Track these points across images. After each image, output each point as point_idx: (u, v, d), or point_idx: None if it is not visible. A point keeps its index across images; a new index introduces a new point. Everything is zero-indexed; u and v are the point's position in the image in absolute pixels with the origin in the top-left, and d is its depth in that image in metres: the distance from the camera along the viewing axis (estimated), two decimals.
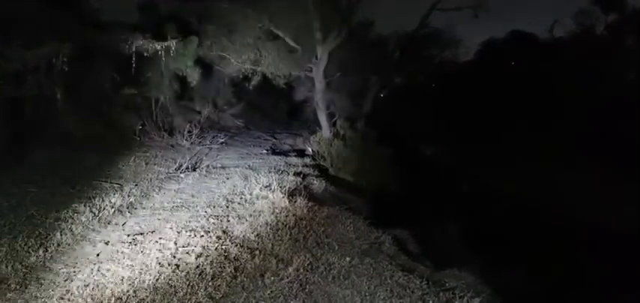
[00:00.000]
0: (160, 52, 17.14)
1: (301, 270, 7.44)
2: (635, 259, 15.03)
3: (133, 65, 16.80)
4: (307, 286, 6.98)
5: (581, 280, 13.56)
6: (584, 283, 13.40)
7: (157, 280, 6.90)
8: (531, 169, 23.25)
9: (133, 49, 16.63)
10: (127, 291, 6.61)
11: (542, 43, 32.62)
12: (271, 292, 6.69)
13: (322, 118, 20.35)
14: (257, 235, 8.81)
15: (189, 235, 8.47)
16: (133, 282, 6.85)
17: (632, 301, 13.05)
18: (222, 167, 14.41)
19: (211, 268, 7.20)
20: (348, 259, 8.04)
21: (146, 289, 6.63)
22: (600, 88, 25.44)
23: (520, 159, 24.45)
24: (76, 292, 6.62)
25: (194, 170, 13.80)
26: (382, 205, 14.72)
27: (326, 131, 20.24)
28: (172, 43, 17.20)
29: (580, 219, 17.70)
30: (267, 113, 25.39)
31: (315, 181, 14.17)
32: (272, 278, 7.07)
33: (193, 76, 18.98)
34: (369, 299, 6.71)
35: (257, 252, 7.95)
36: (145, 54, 17.00)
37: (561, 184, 20.72)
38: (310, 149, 19.04)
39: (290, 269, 7.39)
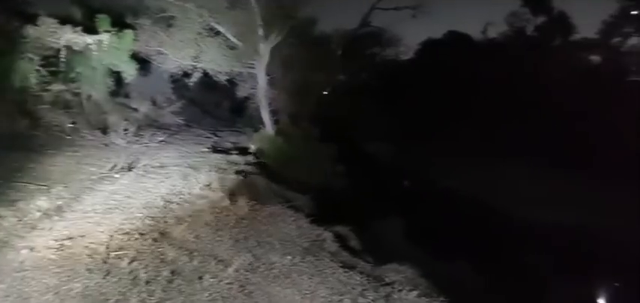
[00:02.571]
0: (91, 46, 16.29)
1: (241, 270, 7.29)
2: (567, 250, 16.02)
3: (62, 60, 15.88)
4: (247, 287, 6.84)
5: (516, 272, 14.23)
6: (519, 274, 14.08)
7: (87, 287, 6.51)
8: (470, 165, 24.11)
9: (63, 42, 15.70)
10: (53, 301, 6.19)
11: (477, 43, 33.99)
12: (210, 294, 6.49)
13: (265, 116, 20.16)
14: (196, 236, 8.55)
15: (123, 239, 8.07)
16: (60, 291, 6.42)
17: (563, 289, 13.86)
18: (161, 166, 13.89)
19: (146, 273, 6.88)
20: (289, 257, 7.97)
21: (74, 298, 6.24)
22: (531, 86, 26.82)
23: (459, 156, 25.30)
24: None
25: (130, 170, 13.22)
26: (325, 203, 14.76)
27: (269, 128, 20.08)
28: (105, 37, 16.39)
29: (517, 213, 18.57)
30: (209, 111, 24.82)
31: (257, 180, 14.02)
32: (211, 280, 6.87)
33: (129, 71, 18.17)
34: (309, 298, 6.68)
35: (195, 253, 7.70)
36: (76, 48, 16.09)
37: (498, 180, 21.63)
38: (253, 147, 18.78)
39: (230, 270, 7.22)
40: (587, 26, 30.19)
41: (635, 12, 28.68)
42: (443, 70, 32.18)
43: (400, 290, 7.26)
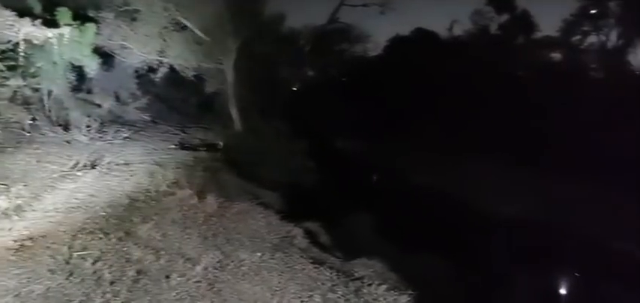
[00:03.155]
0: (52, 40, 15.69)
1: (210, 268, 7.20)
2: (528, 242, 16.51)
3: (21, 54, 15.24)
4: (216, 285, 6.77)
5: (480, 264, 14.59)
6: (482, 266, 14.44)
7: (48, 289, 6.28)
8: (436, 160, 24.54)
9: (21, 36, 15.06)
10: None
11: (443, 41, 34.58)
12: (177, 293, 6.38)
13: (234, 112, 19.96)
14: (163, 234, 8.39)
15: (86, 239, 7.82)
16: (20, 293, 6.17)
17: (524, 280, 14.28)
18: (126, 164, 13.55)
19: (110, 273, 6.70)
20: (259, 254, 7.93)
21: (35, 300, 6.02)
22: (495, 84, 27.48)
23: (426, 151, 25.72)
24: None
25: (93, 167, 12.82)
26: (295, 199, 14.75)
27: (238, 125, 19.87)
28: (66, 31, 15.82)
29: (480, 206, 19.03)
30: (176, 106, 24.28)
31: (226, 176, 13.87)
32: (178, 279, 6.75)
33: (91, 66, 17.58)
34: (279, 294, 6.65)
35: (162, 252, 7.56)
36: (36, 42, 15.47)
37: (463, 175, 22.09)
38: (222, 144, 18.55)
39: (198, 268, 7.12)
40: (548, 25, 31.13)
41: (593, 11, 29.73)
42: (410, 67, 32.61)
43: (369, 285, 7.33)
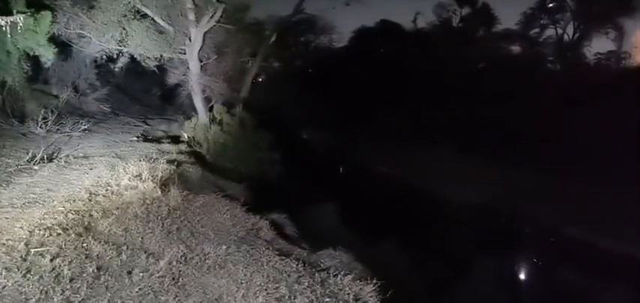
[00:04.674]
0: (4, 29, 14.97)
1: (174, 263, 7.10)
2: (489, 229, 17.06)
3: None
4: (180, 279, 6.68)
5: (442, 251, 15.00)
6: (444, 252, 14.85)
7: (4, 288, 6.04)
8: (400, 150, 24.96)
9: None
10: None
11: (407, 32, 35.09)
12: (140, 289, 6.26)
13: (198, 103, 19.63)
14: (125, 229, 8.20)
15: (44, 235, 7.55)
16: None
17: (485, 266, 14.78)
18: (85, 157, 13.18)
19: (69, 270, 6.51)
20: (224, 247, 7.88)
21: None
22: (457, 75, 28.11)
23: (390, 141, 26.10)
24: None
25: (51, 161, 12.39)
26: (261, 191, 14.75)
27: (202, 116, 19.57)
28: (20, 18, 15.12)
29: (441, 194, 19.52)
30: (138, 98, 23.76)
31: (190, 169, 13.68)
32: (141, 274, 6.63)
33: (47, 55, 16.91)
34: (245, 287, 6.63)
35: (124, 247, 7.39)
36: None
37: (425, 164, 22.56)
38: (186, 135, 18.27)
39: (161, 263, 7.00)
40: (508, 18, 32.07)
41: (551, 4, 30.78)
42: (375, 58, 32.95)
43: (335, 275, 7.41)
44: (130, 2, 16.87)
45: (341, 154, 28.25)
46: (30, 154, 12.46)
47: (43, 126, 15.26)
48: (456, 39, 31.56)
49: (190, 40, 18.49)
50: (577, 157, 19.00)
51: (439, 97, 27.49)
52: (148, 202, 9.62)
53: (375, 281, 7.32)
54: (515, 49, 32.37)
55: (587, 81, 25.07)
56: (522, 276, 15.54)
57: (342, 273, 7.56)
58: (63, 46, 17.94)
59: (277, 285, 6.78)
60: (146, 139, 16.69)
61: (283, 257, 7.91)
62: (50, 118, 15.67)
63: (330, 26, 31.20)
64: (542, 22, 31.67)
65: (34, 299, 5.84)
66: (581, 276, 14.50)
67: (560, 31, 30.75)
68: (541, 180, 19.05)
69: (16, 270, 6.47)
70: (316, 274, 7.42)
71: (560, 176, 18.62)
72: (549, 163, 19.39)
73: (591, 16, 29.01)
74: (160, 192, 10.25)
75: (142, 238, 7.91)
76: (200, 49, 18.85)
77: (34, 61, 17.17)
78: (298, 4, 23.61)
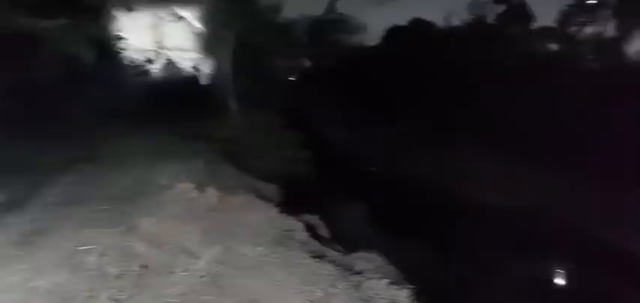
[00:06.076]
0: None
1: (212, 263, 7.25)
2: (529, 235, 16.69)
3: None
4: (219, 280, 6.83)
5: (475, 255, 14.79)
6: (477, 255, 14.64)
7: (54, 285, 6.32)
8: (431, 150, 24.68)
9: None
10: (18, 298, 6.02)
11: (440, 31, 34.60)
12: (181, 288, 6.45)
13: (231, 103, 19.98)
14: (164, 228, 8.43)
15: (89, 233, 7.87)
16: (26, 288, 6.24)
17: (520, 272, 14.48)
18: (125, 156, 13.61)
19: (115, 268, 6.77)
20: (260, 248, 7.99)
21: (41, 296, 6.08)
22: (491, 74, 27.55)
23: (421, 141, 25.84)
24: None
25: (92, 160, 12.87)
26: (293, 191, 14.87)
27: (236, 116, 19.90)
28: (61, 22, 15.78)
29: (479, 199, 19.19)
30: (174, 98, 24.27)
31: (225, 169, 13.94)
32: (182, 274, 6.82)
33: (88, 57, 17.54)
34: (281, 289, 6.72)
35: (165, 247, 7.62)
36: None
37: (461, 167, 22.23)
38: (220, 135, 18.60)
39: (201, 263, 7.18)
40: (545, 15, 31.22)
41: (591, 2, 29.80)
42: (407, 58, 32.64)
43: (370, 279, 7.43)
44: (167, 5, 17.31)
45: (371, 154, 28.14)
46: (74, 154, 12.97)
47: (85, 126, 15.94)
48: (490, 37, 30.95)
49: (224, 40, 18.82)
50: (618, 162, 18.36)
51: (471, 96, 27.00)
52: (185, 201, 9.87)
53: (410, 286, 7.31)
54: (553, 47, 31.48)
55: (629, 81, 24.17)
56: (558, 281, 15.17)
57: (376, 276, 7.58)
58: (103, 48, 18.54)
59: (313, 288, 6.84)
60: (182, 139, 17.06)
61: (318, 259, 7.96)
62: (92, 118, 16.36)
63: (362, 25, 31.12)
64: (581, 19, 30.71)
65: (81, 296, 6.09)
66: (618, 283, 14.05)
67: (600, 29, 29.72)
68: (576, 182, 18.52)
69: (64, 268, 6.77)
70: (351, 277, 7.45)
71: (595, 179, 18.05)
72: (588, 166, 18.81)
73: (633, 12, 27.94)
74: (196, 192, 10.49)
75: (181, 237, 8.11)
76: (233, 50, 19.16)
77: (75, 61, 17.83)
78: (330, 4, 23.70)
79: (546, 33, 31.79)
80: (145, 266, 6.92)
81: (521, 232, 16.67)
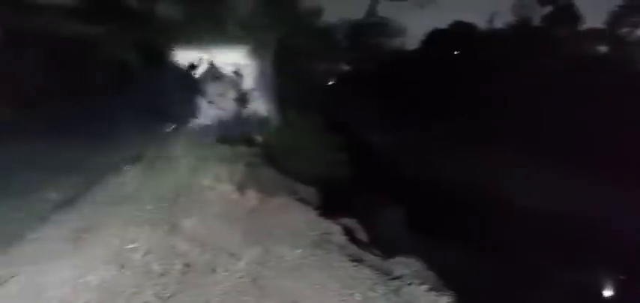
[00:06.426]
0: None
1: (253, 264, 7.38)
2: (571, 240, 16.11)
3: None
4: (259, 280, 6.94)
5: (517, 260, 14.38)
6: (520, 262, 14.22)
7: (102, 280, 6.59)
8: (470, 154, 24.19)
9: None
10: (70, 293, 6.30)
11: (482, 33, 33.85)
12: (223, 287, 6.59)
13: (271, 106, 20.22)
14: (206, 228, 8.65)
15: (136, 231, 8.16)
16: (77, 283, 6.52)
17: (564, 280, 13.98)
18: (169, 158, 14.01)
19: (159, 266, 6.99)
20: (299, 250, 8.06)
21: (91, 291, 6.35)
22: (536, 77, 26.77)
23: (461, 145, 25.37)
24: (15, 295, 6.26)
25: (139, 161, 13.31)
26: (331, 194, 14.87)
27: (275, 119, 20.13)
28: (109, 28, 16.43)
29: (515, 202, 18.67)
30: (215, 101, 24.83)
31: (265, 171, 14.09)
32: (223, 274, 6.97)
33: (134, 62, 18.19)
34: (320, 291, 6.76)
35: (207, 246, 7.80)
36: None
37: (503, 171, 21.70)
38: (260, 138, 18.86)
39: (241, 263, 7.32)
40: (594, 16, 30.05)
41: None
42: (447, 61, 32.15)
43: (410, 284, 7.35)
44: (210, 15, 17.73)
45: (410, 158, 27.83)
46: (120, 155, 13.46)
47: (132, 128, 16.51)
48: (535, 39, 30.04)
49: (265, 44, 19.08)
50: None
51: (514, 99, 26.32)
52: (226, 203, 10.07)
53: (450, 293, 7.19)
54: (602, 49, 30.23)
55: None
56: (606, 292, 14.53)
57: (416, 282, 7.49)
58: (148, 53, 19.16)
59: (351, 292, 6.84)
60: (223, 141, 17.40)
61: (356, 263, 7.95)
62: (138, 120, 16.93)
63: (402, 29, 30.89)
64: (631, 20, 29.39)
65: (128, 292, 6.33)
66: None
67: None
68: (626, 188, 17.71)
69: (112, 264, 7.04)
70: (390, 282, 7.40)
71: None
72: (629, 169, 18.01)
73: None
74: (237, 193, 10.68)
75: (222, 237, 8.29)
76: (273, 54, 19.40)
77: (123, 66, 18.51)
78: (371, 8, 23.66)
79: (595, 35, 30.60)
80: (187, 265, 7.11)
81: (563, 237, 16.12)
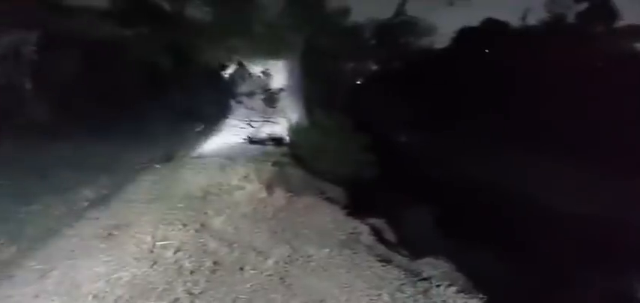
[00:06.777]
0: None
1: (280, 262, 7.44)
2: (602, 243, 15.62)
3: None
4: (286, 279, 6.99)
5: (548, 263, 14.02)
6: (550, 266, 13.87)
7: (134, 276, 6.78)
8: (500, 155, 23.72)
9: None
10: (104, 288, 6.49)
11: (515, 31, 33.10)
12: (251, 285, 6.67)
13: (299, 106, 20.29)
14: (235, 227, 8.76)
15: (167, 229, 8.34)
16: (110, 279, 6.71)
17: (598, 282, 13.56)
18: (199, 157, 14.25)
19: (190, 263, 7.13)
20: (326, 250, 8.07)
21: (123, 286, 6.52)
22: (570, 76, 26.02)
23: (490, 145, 24.91)
24: (51, 289, 6.48)
25: (169, 160, 13.59)
26: (359, 194, 14.83)
27: (303, 119, 20.19)
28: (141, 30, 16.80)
29: (549, 205, 18.21)
30: (244, 101, 25.10)
31: (292, 171, 14.16)
32: (251, 272, 7.05)
33: (165, 63, 18.53)
34: (347, 291, 6.76)
35: (235, 245, 7.90)
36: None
37: (529, 170, 21.24)
38: (287, 138, 18.97)
39: (269, 262, 7.39)
40: (632, 12, 28.96)
41: None
42: (478, 59, 31.58)
43: (438, 285, 7.25)
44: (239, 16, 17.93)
45: (438, 158, 27.49)
46: (152, 154, 13.76)
47: (163, 128, 16.84)
48: (570, 36, 29.21)
49: (292, 44, 19.16)
50: None
51: (545, 99, 25.65)
52: (254, 202, 10.18)
53: (480, 296, 7.07)
54: None
55: None
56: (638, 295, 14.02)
57: (445, 283, 7.39)
58: (179, 54, 19.50)
59: (379, 292, 6.81)
60: (251, 141, 17.61)
61: (384, 263, 7.90)
62: (168, 121, 17.26)
63: (432, 27, 30.43)
64: None
65: (160, 289, 6.48)
66: None
67: None
68: None
69: (144, 261, 7.21)
70: (418, 283, 7.32)
71: None
72: None
73: None
74: (265, 193, 10.77)
75: (250, 236, 8.39)
76: (301, 54, 19.46)
77: (154, 68, 18.86)
78: (399, 7, 23.45)
79: (632, 31, 29.52)
80: (216, 263, 7.22)
81: (597, 241, 15.61)
